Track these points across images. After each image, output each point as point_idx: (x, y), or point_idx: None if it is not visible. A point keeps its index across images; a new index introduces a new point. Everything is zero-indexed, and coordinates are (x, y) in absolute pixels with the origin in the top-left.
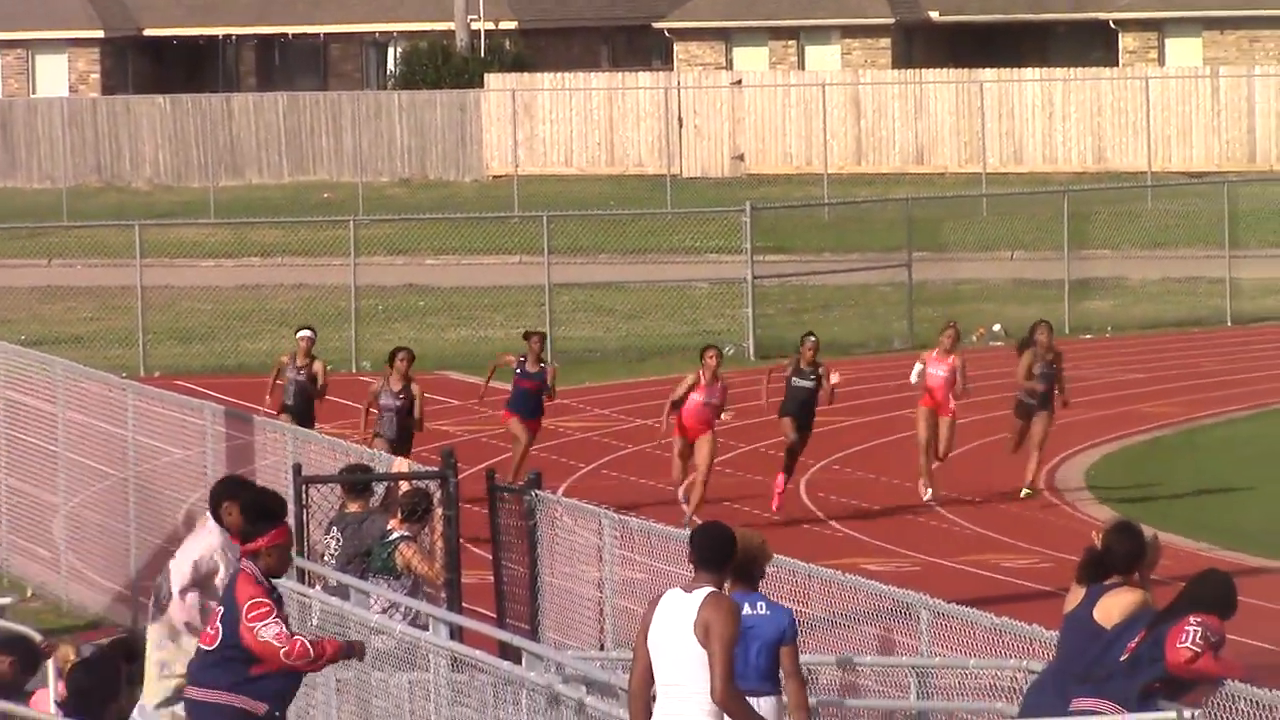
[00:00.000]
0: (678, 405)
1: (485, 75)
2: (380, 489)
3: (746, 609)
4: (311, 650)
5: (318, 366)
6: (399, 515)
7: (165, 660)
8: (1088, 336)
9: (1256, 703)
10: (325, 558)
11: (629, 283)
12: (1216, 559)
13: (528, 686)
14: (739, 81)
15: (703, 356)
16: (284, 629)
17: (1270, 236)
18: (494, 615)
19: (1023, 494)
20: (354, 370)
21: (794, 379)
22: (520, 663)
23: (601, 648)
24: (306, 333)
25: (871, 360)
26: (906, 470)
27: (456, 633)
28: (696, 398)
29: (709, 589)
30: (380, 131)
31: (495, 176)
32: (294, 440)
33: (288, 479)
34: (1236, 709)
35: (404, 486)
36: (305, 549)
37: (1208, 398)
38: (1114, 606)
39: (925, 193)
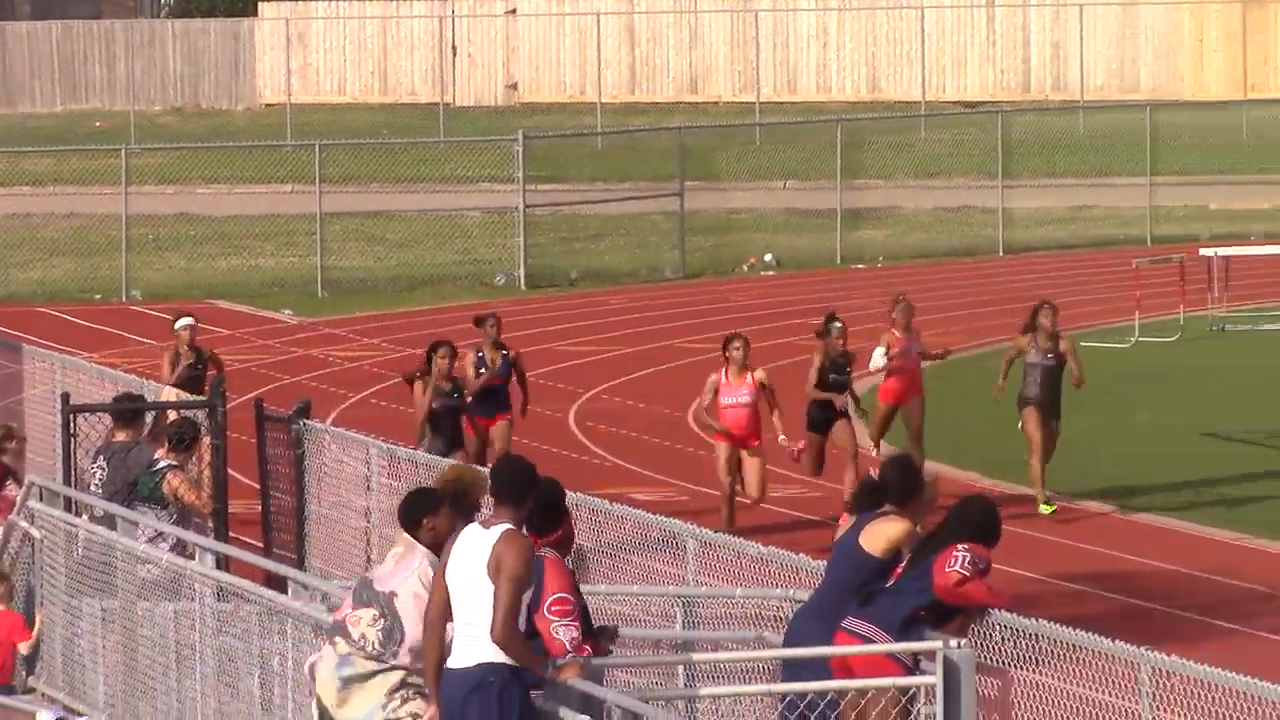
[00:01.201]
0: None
1: (259, 4)
2: (150, 419)
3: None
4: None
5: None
6: (166, 444)
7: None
8: (860, 266)
9: (1018, 631)
10: (92, 487)
11: (401, 212)
12: (985, 489)
13: (293, 616)
14: (513, 10)
15: (725, 350)
16: (578, 637)
17: (1043, 166)
18: (261, 545)
19: (1042, 509)
20: (124, 299)
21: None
22: (286, 592)
23: None
24: (187, 321)
25: (643, 289)
26: (674, 399)
27: (223, 562)
28: (726, 400)
29: (506, 525)
30: (153, 60)
31: (268, 105)
32: (62, 369)
33: (56, 408)
34: (998, 636)
35: (173, 416)
36: (73, 478)
37: (980, 327)
38: (879, 534)
39: (699, 122)
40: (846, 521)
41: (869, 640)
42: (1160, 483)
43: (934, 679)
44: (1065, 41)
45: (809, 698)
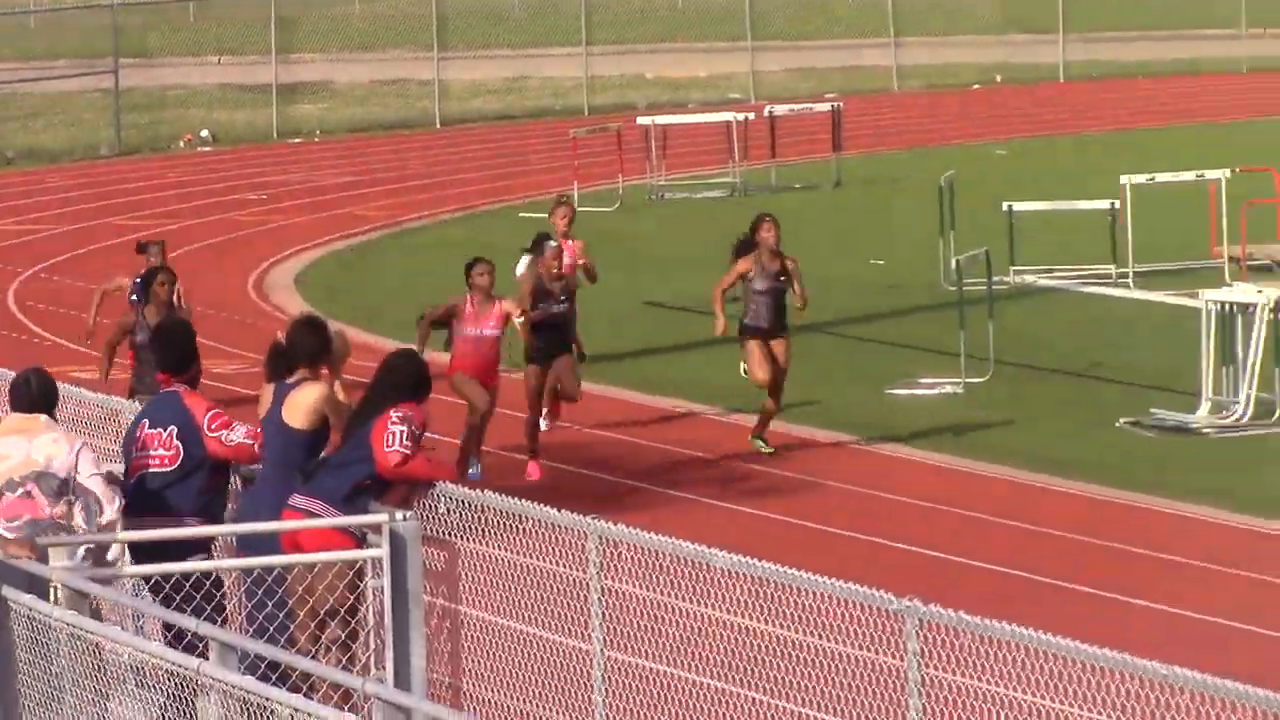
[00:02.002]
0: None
1: None
2: None
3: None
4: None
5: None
6: None
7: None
8: (297, 140)
9: (462, 502)
10: None
11: None
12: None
13: None
14: None
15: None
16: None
17: (478, 38)
18: None
19: (759, 446)
20: None
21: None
22: None
23: None
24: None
25: (77, 168)
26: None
27: None
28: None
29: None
30: None
31: None
32: None
33: None
34: (443, 508)
35: None
36: None
37: (417, 200)
38: (298, 406)
39: None
40: (267, 394)
41: (315, 516)
42: (606, 351)
43: (381, 552)
44: None
45: (255, 573)
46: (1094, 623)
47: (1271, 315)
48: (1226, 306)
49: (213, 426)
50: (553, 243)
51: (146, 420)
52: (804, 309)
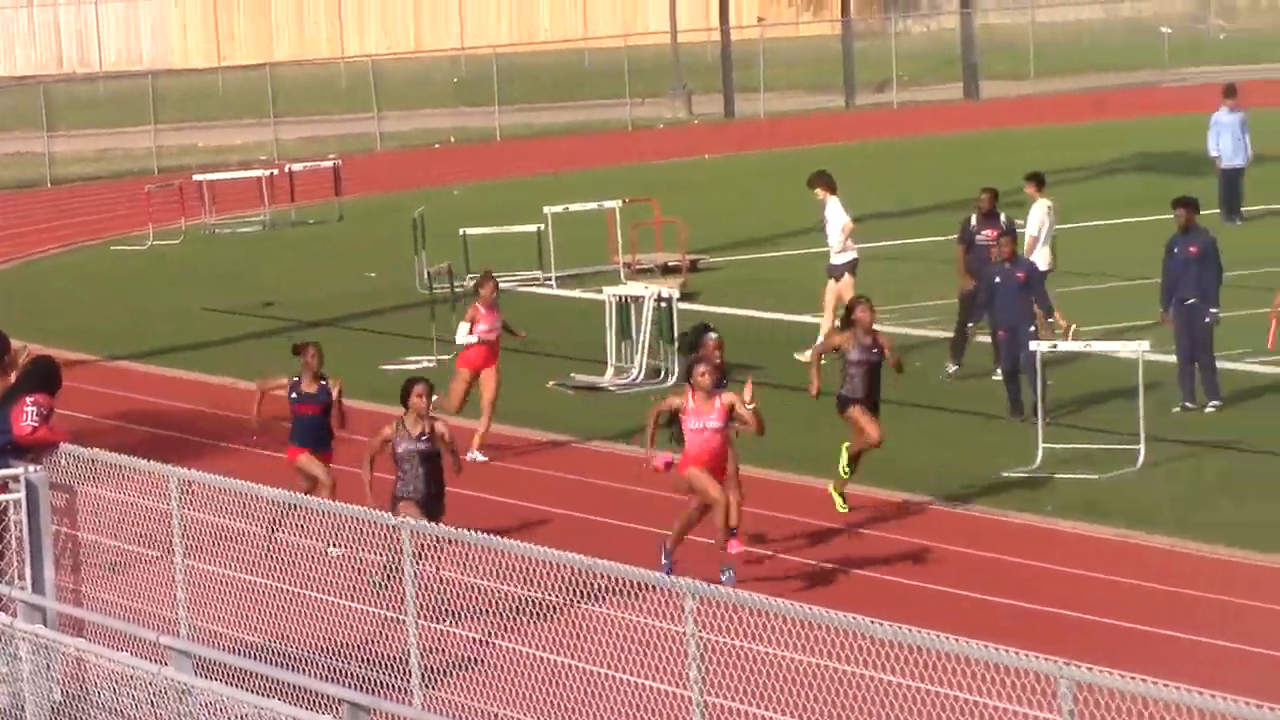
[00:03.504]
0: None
1: None
2: None
3: None
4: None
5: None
6: None
7: None
8: None
9: (78, 457)
10: None
11: None
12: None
13: None
14: None
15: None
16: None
17: (78, 120)
18: None
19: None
20: None
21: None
22: None
23: None
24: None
25: None
26: None
27: None
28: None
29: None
30: None
31: None
32: None
33: None
34: (64, 462)
35: None
36: None
37: (38, 239)
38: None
39: None
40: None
41: None
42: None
43: (19, 495)
44: None
45: None
46: None
47: (655, 304)
48: (623, 298)
49: None
50: (713, 335)
51: None
52: (900, 371)
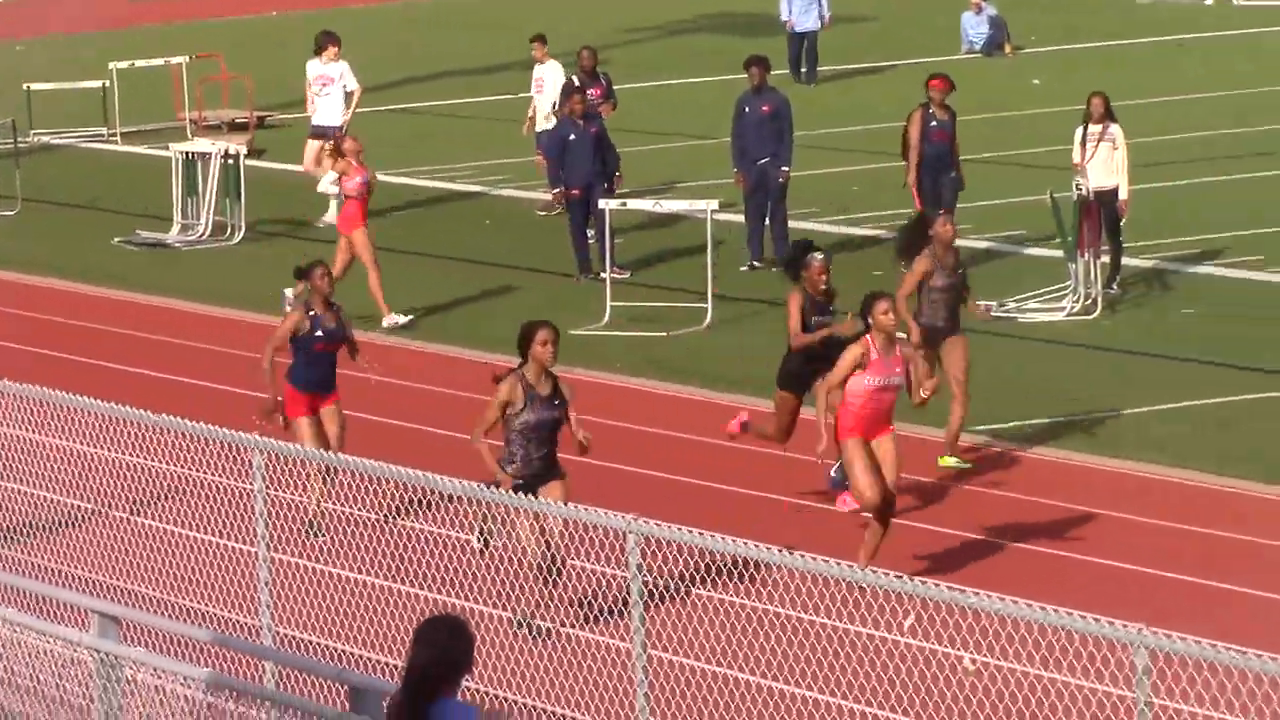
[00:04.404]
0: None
1: None
2: None
3: None
4: None
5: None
6: None
7: None
8: None
9: None
10: None
11: None
12: None
13: None
14: None
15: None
16: None
17: None
18: None
19: (951, 463)
20: None
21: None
22: None
23: None
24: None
25: None
26: None
27: None
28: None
29: None
30: None
31: None
32: None
33: None
34: None
35: None
36: None
37: None
38: None
39: None
40: None
41: None
42: None
43: None
44: None
45: None
46: None
47: (221, 161)
48: (190, 155)
49: None
50: (819, 255)
51: None
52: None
